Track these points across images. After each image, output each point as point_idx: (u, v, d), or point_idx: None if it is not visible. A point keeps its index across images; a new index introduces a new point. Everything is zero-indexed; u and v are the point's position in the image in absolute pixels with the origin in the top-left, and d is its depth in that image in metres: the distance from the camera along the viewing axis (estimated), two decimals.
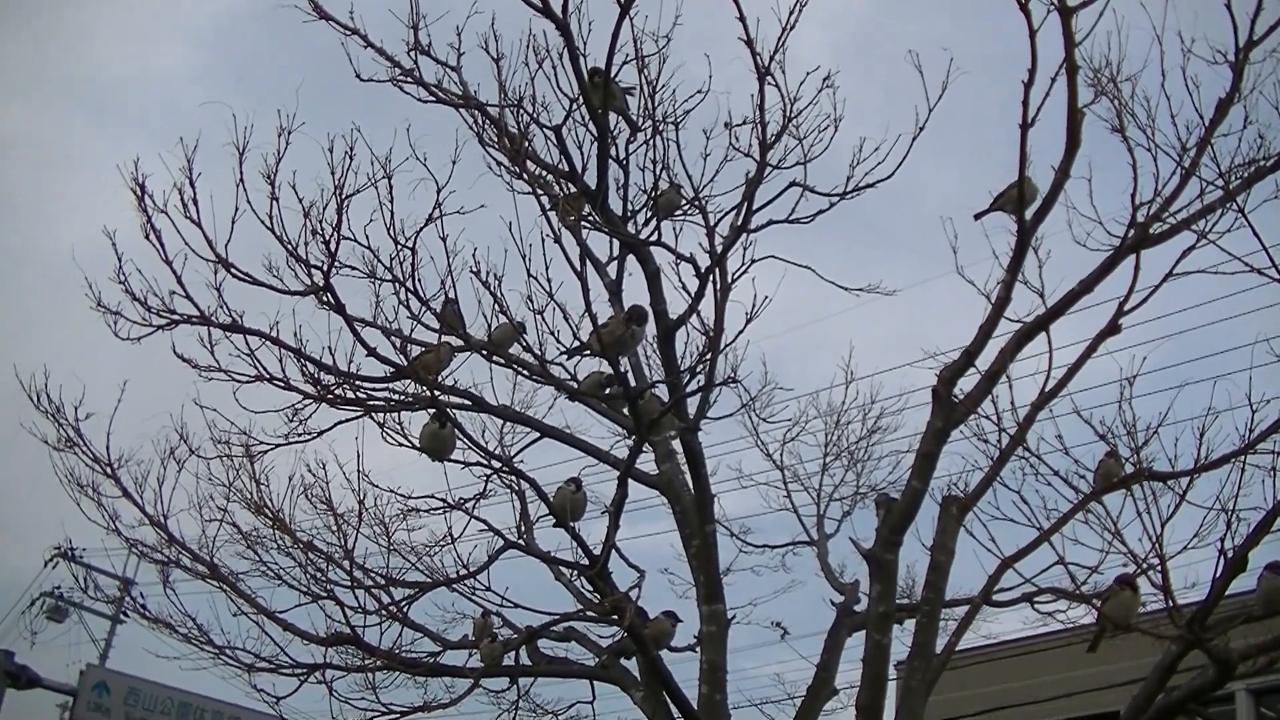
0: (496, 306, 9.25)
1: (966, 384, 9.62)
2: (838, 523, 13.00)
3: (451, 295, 9.42)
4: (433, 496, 9.52)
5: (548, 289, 8.72)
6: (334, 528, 10.02)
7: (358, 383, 9.60)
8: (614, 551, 8.98)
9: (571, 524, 9.22)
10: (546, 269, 8.62)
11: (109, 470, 10.39)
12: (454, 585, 9.72)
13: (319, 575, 9.86)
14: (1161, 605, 9.22)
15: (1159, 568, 8.45)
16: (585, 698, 11.61)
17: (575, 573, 9.95)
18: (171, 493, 10.34)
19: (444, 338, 9.84)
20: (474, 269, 9.00)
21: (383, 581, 9.69)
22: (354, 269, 9.71)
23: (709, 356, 9.47)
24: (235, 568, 10.54)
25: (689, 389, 9.65)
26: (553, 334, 9.04)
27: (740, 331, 9.16)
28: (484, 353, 10.16)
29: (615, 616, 9.23)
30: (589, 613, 10.15)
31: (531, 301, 8.82)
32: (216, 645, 10.40)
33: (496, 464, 9.89)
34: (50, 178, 77.62)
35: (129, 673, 31.33)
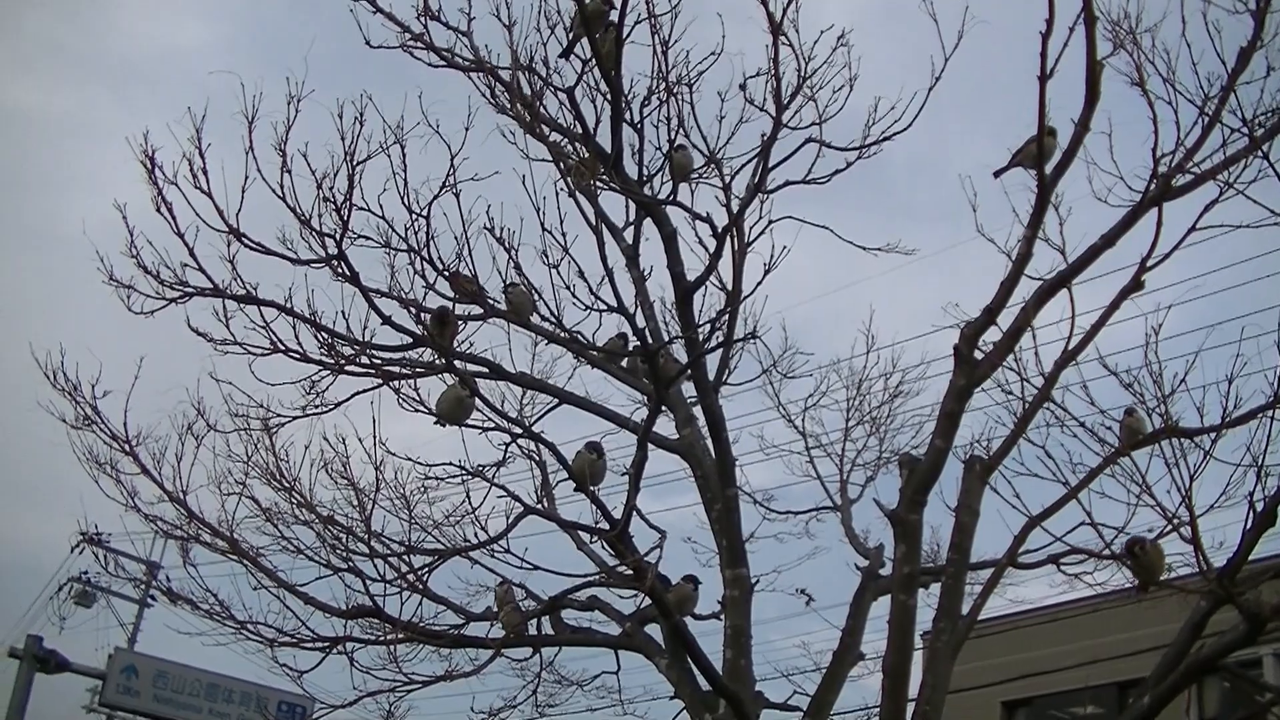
0: (511, 263, 9.19)
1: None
2: (861, 488, 12.89)
3: (467, 262, 9.38)
4: (451, 464, 9.47)
5: (562, 243, 8.63)
6: (354, 501, 9.99)
7: (374, 352, 9.56)
8: (635, 515, 8.91)
9: (591, 488, 9.16)
10: (561, 222, 8.54)
11: (127, 448, 10.36)
12: (474, 552, 9.67)
13: (339, 547, 9.80)
14: (1189, 568, 9.16)
15: (1188, 523, 8.35)
16: (610, 668, 11.59)
17: (596, 538, 9.88)
18: (190, 468, 10.32)
19: (461, 305, 9.80)
20: (488, 226, 8.94)
21: (402, 550, 9.63)
22: (368, 239, 9.69)
23: (728, 311, 9.37)
24: (255, 543, 10.49)
25: (708, 347, 9.56)
26: (568, 289, 8.96)
27: (759, 283, 9.07)
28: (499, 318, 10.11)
29: (636, 580, 9.17)
30: (610, 577, 10.08)
31: (546, 256, 8.73)
32: (238, 620, 10.32)
33: (516, 430, 9.83)
34: (71, 154, 78.04)
35: (157, 655, 31.52)
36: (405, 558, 9.63)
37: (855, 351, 13.64)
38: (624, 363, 10.75)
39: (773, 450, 14.03)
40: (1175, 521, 8.85)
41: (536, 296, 10.29)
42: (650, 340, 9.74)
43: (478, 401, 9.37)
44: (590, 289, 9.18)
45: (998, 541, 10.13)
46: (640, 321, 9.45)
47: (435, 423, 9.47)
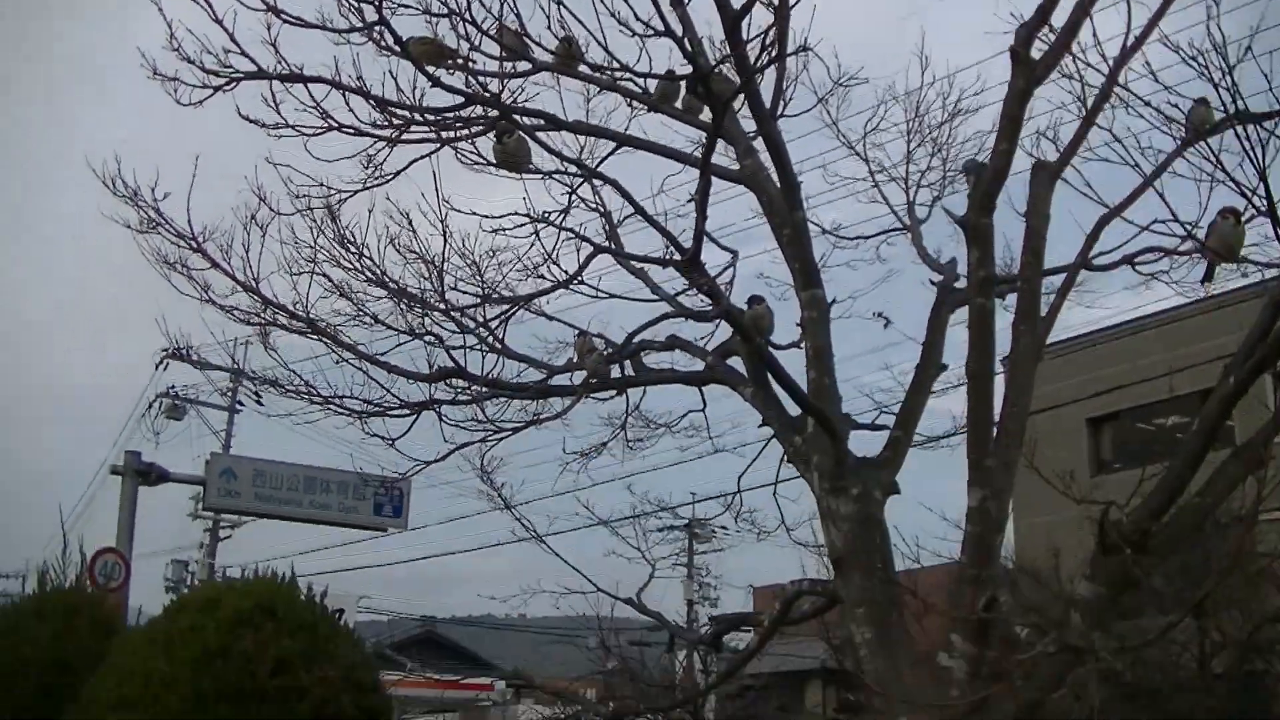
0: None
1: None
2: (929, 208, 12.67)
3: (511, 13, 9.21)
4: (516, 214, 9.45)
5: None
6: (424, 274, 10.02)
7: (428, 114, 9.47)
8: (706, 241, 8.84)
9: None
10: None
11: (195, 244, 10.34)
12: (550, 305, 9.75)
13: (414, 310, 9.85)
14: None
15: (1265, 199, 8.19)
16: (695, 408, 11.69)
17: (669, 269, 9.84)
18: (259, 256, 10.34)
19: (509, 61, 9.66)
20: None
21: (476, 302, 9.67)
22: (408, 6, 9.50)
23: (775, 25, 9.10)
24: (331, 322, 10.57)
25: (760, 64, 9.35)
26: (614, 16, 8.78)
27: None
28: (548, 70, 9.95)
29: (712, 303, 9.17)
30: (684, 308, 10.08)
31: None
32: (324, 396, 10.47)
33: (577, 172, 9.74)
34: None
35: (252, 456, 32.30)
36: (481, 311, 9.66)
37: (910, 78, 13.35)
38: (679, 102, 10.57)
39: (836, 180, 13.89)
40: (1252, 196, 8.68)
41: (586, 38, 10.05)
42: (701, 65, 9.53)
43: (538, 148, 9.30)
44: (636, 15, 8.96)
45: (1070, 249, 10.06)
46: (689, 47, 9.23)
47: (500, 164, 9.39)
